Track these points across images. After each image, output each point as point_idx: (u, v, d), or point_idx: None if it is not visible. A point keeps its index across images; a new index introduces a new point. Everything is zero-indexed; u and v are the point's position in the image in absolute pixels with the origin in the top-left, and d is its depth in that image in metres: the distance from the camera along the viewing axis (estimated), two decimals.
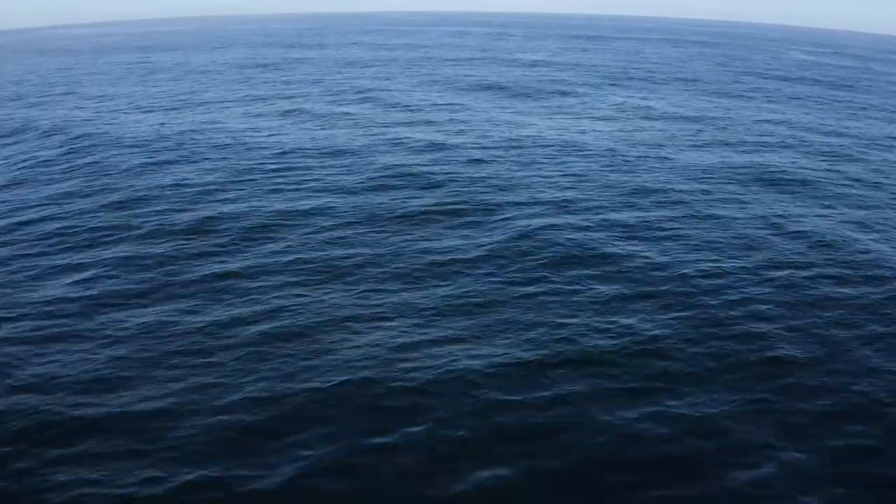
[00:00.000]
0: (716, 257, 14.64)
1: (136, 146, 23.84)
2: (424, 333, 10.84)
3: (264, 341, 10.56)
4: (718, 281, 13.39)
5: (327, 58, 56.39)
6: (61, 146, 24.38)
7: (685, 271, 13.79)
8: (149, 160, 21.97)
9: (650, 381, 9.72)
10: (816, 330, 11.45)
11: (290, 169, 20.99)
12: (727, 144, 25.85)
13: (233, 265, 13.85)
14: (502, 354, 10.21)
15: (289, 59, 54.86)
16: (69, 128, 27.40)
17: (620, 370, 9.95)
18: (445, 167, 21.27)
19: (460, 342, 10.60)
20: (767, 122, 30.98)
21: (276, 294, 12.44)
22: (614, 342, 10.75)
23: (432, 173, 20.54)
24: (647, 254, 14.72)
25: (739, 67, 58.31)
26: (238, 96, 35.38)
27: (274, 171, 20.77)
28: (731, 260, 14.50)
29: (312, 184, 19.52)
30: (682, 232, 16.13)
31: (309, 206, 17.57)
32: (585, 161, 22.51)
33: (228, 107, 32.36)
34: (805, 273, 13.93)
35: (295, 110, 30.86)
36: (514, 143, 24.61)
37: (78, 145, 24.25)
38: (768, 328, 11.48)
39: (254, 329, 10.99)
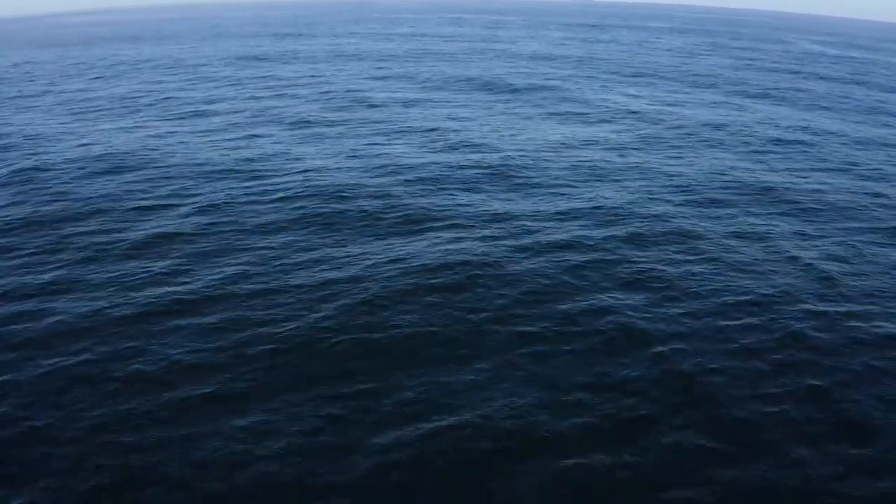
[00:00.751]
0: (751, 284, 12.86)
1: (96, 155, 21.65)
2: (387, 416, 8.82)
3: (187, 415, 8.71)
4: (763, 318, 11.62)
5: (321, 51, 53.93)
6: (16, 149, 22.44)
7: (723, 299, 12.05)
8: (103, 169, 19.91)
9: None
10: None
11: (260, 178, 19.06)
12: (749, 154, 23.66)
13: (177, 296, 12.05)
14: (494, 433, 8.35)
15: (280, 52, 52.37)
16: (32, 133, 25.35)
17: (666, 453, 8.12)
18: (434, 176, 19.43)
19: (427, 419, 8.74)
20: (790, 126, 28.67)
21: (213, 340, 10.60)
22: (651, 405, 8.94)
23: (421, 181, 18.73)
24: (670, 291, 12.87)
25: (751, 61, 56.19)
26: (217, 95, 33.21)
27: (245, 181, 18.77)
28: (769, 287, 12.72)
29: (287, 195, 17.64)
30: (713, 254, 14.33)
31: (275, 222, 15.79)
32: (595, 177, 20.26)
33: (205, 107, 30.23)
34: (849, 308, 12.17)
35: (276, 114, 28.38)
36: (516, 153, 22.45)
37: (36, 152, 22.27)
38: (841, 378, 9.73)
39: (182, 395, 9.16)
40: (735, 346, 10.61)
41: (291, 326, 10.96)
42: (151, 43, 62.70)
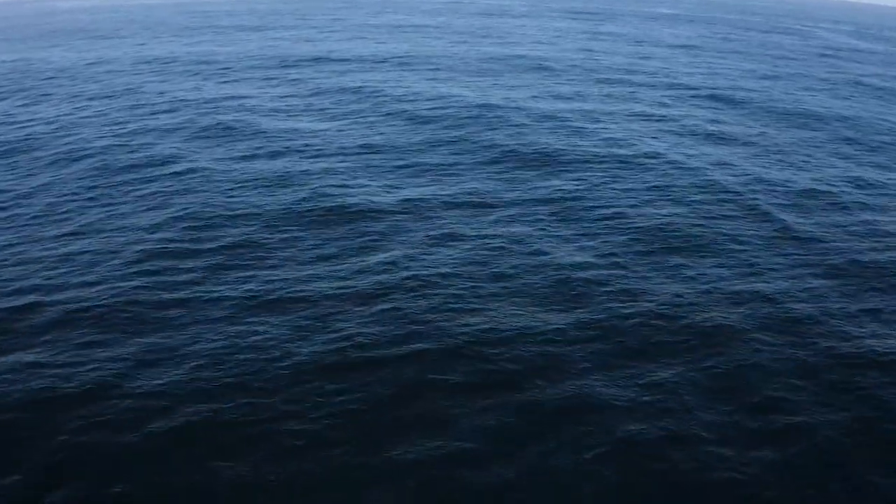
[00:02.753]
0: None
1: None
2: None
3: None
4: None
5: (303, 51, 48.22)
6: None
7: None
8: None
9: None
10: None
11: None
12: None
13: None
14: None
15: (256, 53, 47.04)
16: None
17: None
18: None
19: None
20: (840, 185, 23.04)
21: None
22: None
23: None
24: None
25: (775, 60, 51.26)
26: (159, 121, 28.71)
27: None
28: None
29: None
30: None
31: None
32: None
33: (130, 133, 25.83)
34: None
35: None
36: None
37: None
38: None
39: None
40: None
41: None
42: (129, 37, 57.40)
